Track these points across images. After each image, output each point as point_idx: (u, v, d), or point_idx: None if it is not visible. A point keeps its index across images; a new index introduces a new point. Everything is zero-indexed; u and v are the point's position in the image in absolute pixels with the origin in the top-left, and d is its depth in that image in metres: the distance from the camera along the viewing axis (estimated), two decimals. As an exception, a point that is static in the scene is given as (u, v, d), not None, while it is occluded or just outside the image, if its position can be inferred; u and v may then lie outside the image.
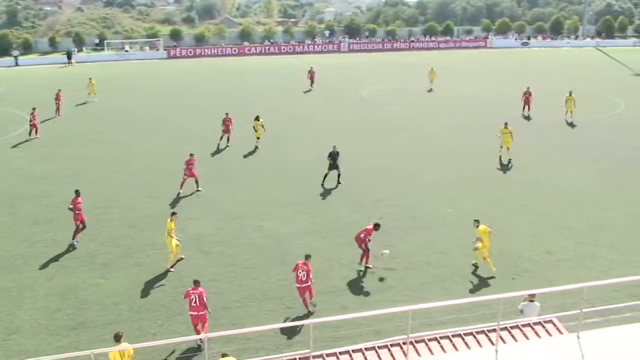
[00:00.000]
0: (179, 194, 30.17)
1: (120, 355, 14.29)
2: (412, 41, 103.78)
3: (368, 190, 30.79)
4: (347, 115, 48.34)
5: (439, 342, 13.84)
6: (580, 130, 43.41)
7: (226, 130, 38.77)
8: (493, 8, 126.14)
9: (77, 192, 24.95)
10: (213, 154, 37.29)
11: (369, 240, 22.18)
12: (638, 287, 19.91)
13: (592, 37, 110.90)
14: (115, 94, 58.76)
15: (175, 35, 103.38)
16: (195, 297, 17.66)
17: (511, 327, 14.31)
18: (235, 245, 24.43)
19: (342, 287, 21.18)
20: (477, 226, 22.30)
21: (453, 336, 14.02)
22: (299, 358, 13.32)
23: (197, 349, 17.29)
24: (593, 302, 17.34)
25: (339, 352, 13.49)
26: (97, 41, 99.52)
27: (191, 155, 30.70)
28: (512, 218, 27.27)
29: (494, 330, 13.60)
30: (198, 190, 30.49)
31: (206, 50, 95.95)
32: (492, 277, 21.67)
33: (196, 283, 18.07)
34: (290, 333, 17.83)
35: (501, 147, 35.44)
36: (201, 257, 23.38)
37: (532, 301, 16.41)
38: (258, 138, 38.39)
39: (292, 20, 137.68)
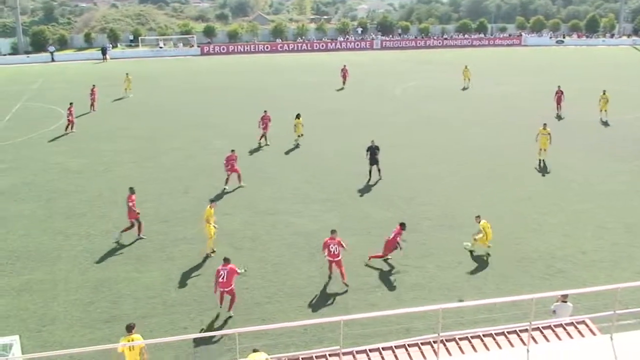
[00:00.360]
0: (224, 189, 30.45)
1: (129, 347, 14.31)
2: (445, 39, 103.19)
3: (400, 188, 30.70)
4: (380, 112, 48.28)
5: (470, 342, 13.78)
6: (615, 129, 42.79)
7: (265, 128, 38.80)
8: (527, 6, 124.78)
9: (132, 190, 24.97)
10: (248, 151, 37.35)
11: (400, 239, 22.23)
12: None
13: (629, 36, 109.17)
14: (150, 90, 59.40)
15: (209, 32, 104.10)
16: (224, 273, 18.60)
17: (543, 328, 14.19)
18: (267, 242, 24.56)
19: (373, 284, 21.15)
20: (479, 222, 22.95)
21: (484, 335, 13.94)
22: (329, 355, 13.35)
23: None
24: (627, 303, 17.13)
25: (369, 350, 13.48)
26: (131, 37, 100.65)
27: (232, 151, 30.96)
28: (545, 217, 26.98)
29: (526, 330, 13.50)
30: (241, 186, 30.71)
31: (239, 47, 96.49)
32: (534, 276, 21.50)
33: (226, 260, 18.94)
34: (320, 329, 17.88)
35: (540, 149, 34.42)
36: (232, 252, 23.46)
37: (565, 302, 16.25)
38: (299, 136, 38.74)
39: (325, 17, 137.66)
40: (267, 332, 17.25)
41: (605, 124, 44.15)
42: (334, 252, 20.61)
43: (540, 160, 34.24)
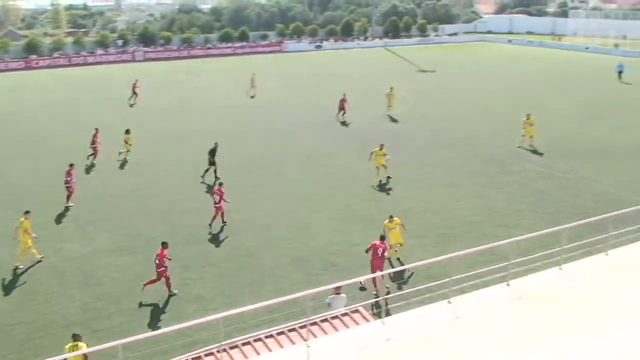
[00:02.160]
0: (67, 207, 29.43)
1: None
2: (209, 47, 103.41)
3: (172, 200, 30.23)
4: (148, 125, 47.01)
5: (252, 345, 13.90)
6: (376, 125, 45.65)
7: (94, 148, 37.07)
8: (286, 13, 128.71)
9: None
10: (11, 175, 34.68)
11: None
12: (434, 269, 21.33)
13: (381, 38, 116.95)
14: None
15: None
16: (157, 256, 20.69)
17: (321, 321, 14.71)
18: (34, 271, 22.94)
19: (153, 302, 20.63)
20: (392, 221, 22.96)
21: (266, 337, 14.15)
22: (109, 382, 12.78)
23: None
24: (395, 287, 18.32)
25: (151, 370, 13.11)
26: None
27: (70, 165, 29.81)
28: (316, 215, 28.08)
29: (305, 326, 13.88)
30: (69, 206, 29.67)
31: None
32: (309, 273, 22.20)
33: (163, 244, 20.90)
34: (99, 356, 17.02)
35: (377, 167, 33.00)
36: (-4, 287, 21.73)
37: (339, 293, 16.99)
38: (128, 151, 37.69)
39: (83, 30, 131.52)
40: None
41: (392, 118, 47.87)
42: (215, 200, 26.29)
43: (380, 180, 33.00)
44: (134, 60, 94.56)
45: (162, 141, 41.66)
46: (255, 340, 14.05)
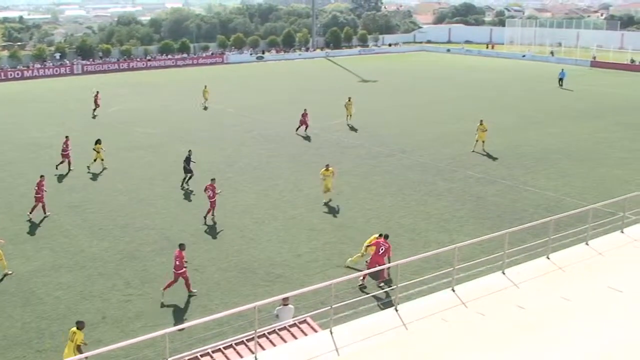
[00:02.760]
0: (30, 219, 29.02)
1: (69, 339, 16.11)
2: (149, 60, 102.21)
3: (113, 216, 29.59)
4: (89, 138, 45.97)
5: (199, 361, 13.72)
6: (318, 135, 45.77)
7: (66, 156, 37.09)
8: (227, 24, 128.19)
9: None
10: None
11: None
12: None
13: (322, 48, 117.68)
14: None
15: None
16: (174, 259, 21.06)
17: (269, 333, 14.62)
18: (-30, 292, 22.20)
19: (97, 320, 20.15)
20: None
21: (213, 352, 13.97)
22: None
23: None
24: (342, 297, 18.34)
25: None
26: None
27: (41, 177, 29.87)
28: (260, 226, 27.96)
29: (253, 338, 13.75)
30: (46, 216, 29.46)
31: None
32: (256, 285, 22.05)
33: (180, 246, 21.29)
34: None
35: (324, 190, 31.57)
36: None
37: (287, 305, 16.92)
38: (102, 160, 37.55)
39: (19, 43, 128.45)
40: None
41: (352, 127, 48.40)
42: (208, 195, 27.87)
43: (326, 201, 31.42)
44: (72, 74, 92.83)
45: (112, 154, 40.81)
46: (202, 355, 13.86)
